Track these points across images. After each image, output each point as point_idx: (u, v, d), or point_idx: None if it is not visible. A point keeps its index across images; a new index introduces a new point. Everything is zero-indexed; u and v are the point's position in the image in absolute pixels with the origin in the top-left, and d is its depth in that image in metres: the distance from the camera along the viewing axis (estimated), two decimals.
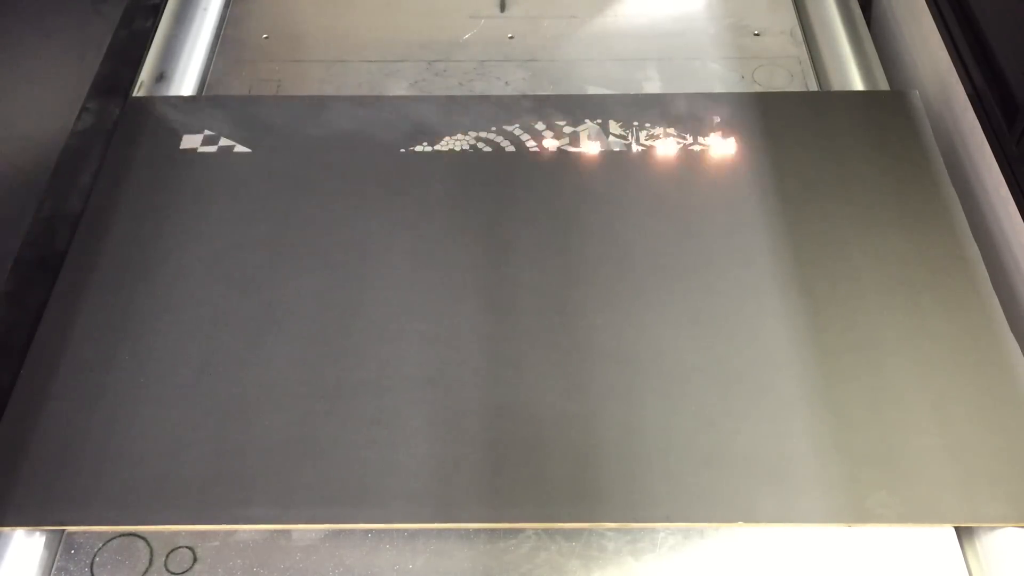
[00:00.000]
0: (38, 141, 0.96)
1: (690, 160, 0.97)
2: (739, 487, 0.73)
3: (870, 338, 0.82)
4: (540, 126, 1.01)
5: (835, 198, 0.93)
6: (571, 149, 0.98)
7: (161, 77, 1.09)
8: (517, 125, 1.01)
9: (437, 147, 0.99)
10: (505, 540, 0.74)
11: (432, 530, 0.74)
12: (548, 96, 1.05)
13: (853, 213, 0.91)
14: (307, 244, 0.90)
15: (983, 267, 0.87)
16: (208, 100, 1.07)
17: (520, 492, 0.74)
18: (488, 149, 0.98)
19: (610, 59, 1.14)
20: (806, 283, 0.86)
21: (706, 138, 0.99)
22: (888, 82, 1.08)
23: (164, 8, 1.18)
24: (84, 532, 0.74)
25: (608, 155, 0.98)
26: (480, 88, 1.11)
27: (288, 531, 0.74)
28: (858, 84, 1.07)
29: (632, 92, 1.09)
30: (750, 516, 0.72)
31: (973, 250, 0.88)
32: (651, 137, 0.99)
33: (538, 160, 0.97)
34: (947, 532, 0.74)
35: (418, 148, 0.99)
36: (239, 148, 0.99)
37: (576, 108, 1.02)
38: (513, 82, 1.12)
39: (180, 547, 0.73)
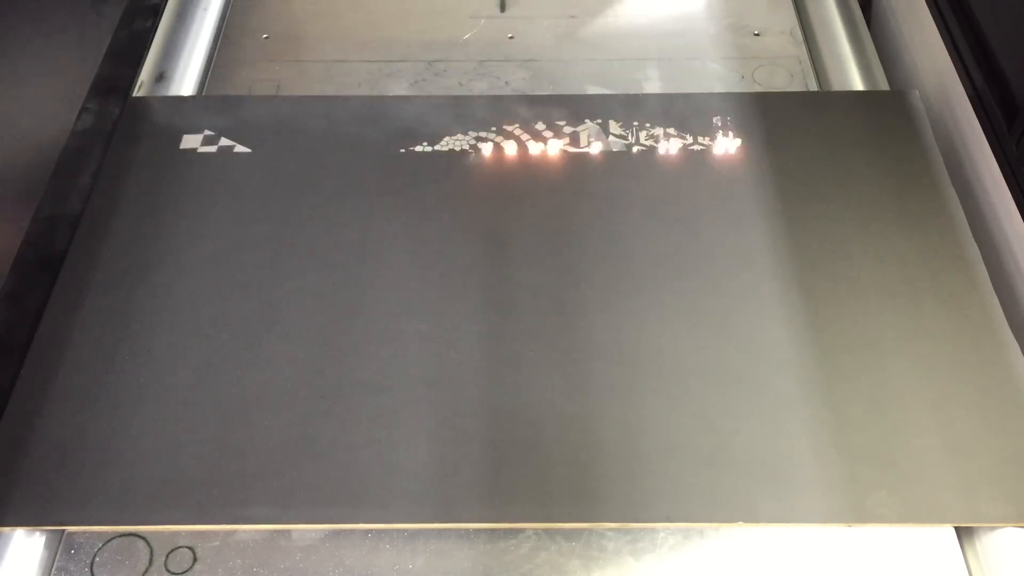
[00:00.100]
0: (38, 141, 0.96)
1: (690, 160, 0.97)
2: (739, 487, 0.73)
3: (870, 338, 0.82)
4: (540, 126, 1.01)
5: (835, 198, 0.93)
6: (571, 149, 0.98)
7: (161, 77, 1.09)
8: (517, 125, 1.01)
9: (437, 147, 0.99)
10: (505, 540, 0.74)
11: (432, 530, 0.74)
12: (548, 96, 1.05)
13: (853, 213, 0.91)
14: (307, 244, 0.90)
15: (983, 267, 0.87)
16: (208, 100, 1.07)
17: (520, 492, 0.74)
18: (488, 149, 0.98)
19: (610, 59, 1.14)
20: (806, 283, 0.86)
21: (706, 138, 0.99)
22: (888, 82, 1.08)
23: (164, 8, 1.18)
24: (84, 532, 0.74)
25: (608, 155, 0.98)
26: (480, 88, 1.11)
27: (288, 531, 0.74)
28: (858, 84, 1.07)
29: (632, 92, 1.09)
30: (750, 516, 0.72)
31: (973, 250, 0.88)
32: (651, 137, 0.99)
33: (538, 160, 0.97)
34: (947, 532, 0.74)
35: (418, 148, 0.99)
36: (239, 148, 0.99)
37: (576, 108, 1.02)
38: (513, 82, 1.12)
39: (180, 547, 0.73)
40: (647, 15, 1.21)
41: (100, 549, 0.73)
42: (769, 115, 1.01)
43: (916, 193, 0.93)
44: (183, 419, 0.78)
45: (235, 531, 0.74)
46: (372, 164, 0.97)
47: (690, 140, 0.99)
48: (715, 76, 1.12)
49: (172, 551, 0.73)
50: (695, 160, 0.97)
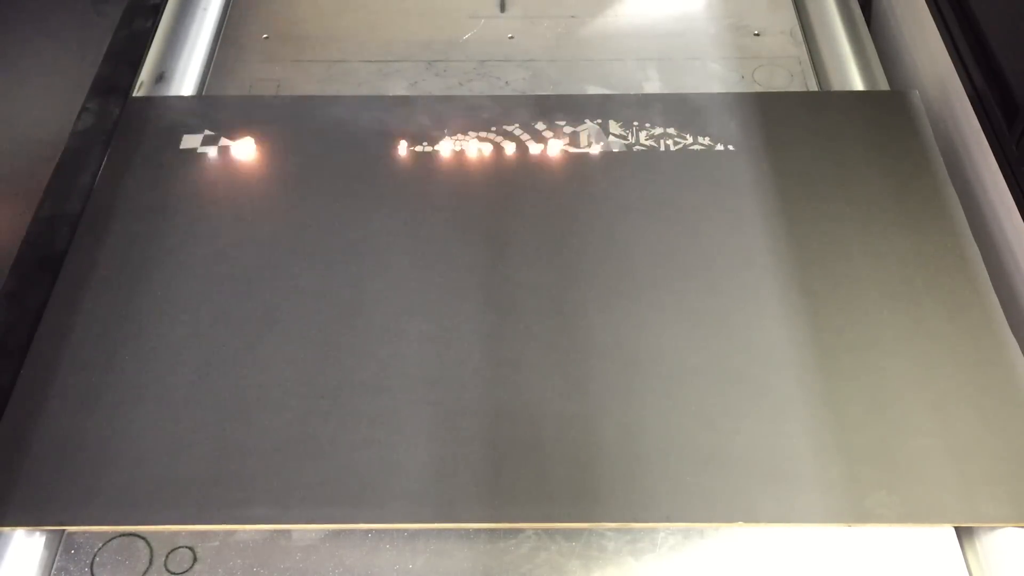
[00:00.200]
0: (38, 141, 0.96)
1: (690, 160, 0.97)
2: (739, 487, 0.73)
3: (870, 338, 0.82)
4: (540, 126, 1.01)
5: (835, 198, 0.93)
6: (571, 149, 0.98)
7: (161, 77, 1.09)
8: (517, 125, 1.01)
9: (437, 147, 0.99)
10: (505, 540, 0.74)
11: (432, 530, 0.74)
12: (548, 96, 1.05)
13: (853, 213, 0.91)
14: (307, 244, 0.90)
15: (983, 267, 0.87)
16: (208, 100, 1.07)
17: (520, 492, 0.74)
18: (488, 149, 0.98)
19: (610, 59, 1.14)
20: (806, 283, 0.86)
21: (706, 138, 0.99)
22: (888, 82, 1.08)
23: (164, 8, 1.18)
24: (84, 532, 0.74)
25: (608, 155, 0.98)
26: (480, 88, 1.11)
27: (288, 531, 0.74)
28: (858, 84, 1.07)
29: (632, 92, 1.08)
30: (750, 516, 0.72)
31: (973, 250, 0.88)
32: (651, 137, 0.99)
33: (538, 160, 0.97)
34: (947, 532, 0.74)
35: (418, 148, 0.99)
36: (239, 148, 0.99)
37: (576, 108, 1.02)
38: (513, 82, 1.12)
39: (180, 547, 0.73)
40: (647, 15, 1.21)
41: (100, 549, 0.73)
42: (769, 115, 1.01)
43: (916, 193, 0.93)
44: (183, 419, 0.78)
45: (235, 531, 0.74)
46: (372, 164, 0.97)
47: (690, 140, 0.99)
48: (715, 76, 1.12)
49: (172, 551, 0.73)
50: (695, 160, 0.97)
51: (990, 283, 0.86)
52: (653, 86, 1.11)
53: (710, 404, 0.78)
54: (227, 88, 1.12)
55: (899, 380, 0.79)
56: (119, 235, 0.91)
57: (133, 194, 0.94)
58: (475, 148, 0.98)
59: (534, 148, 0.99)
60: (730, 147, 0.98)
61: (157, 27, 1.16)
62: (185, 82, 1.10)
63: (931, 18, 1.06)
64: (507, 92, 1.10)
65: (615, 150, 0.98)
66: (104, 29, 1.10)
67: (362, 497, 0.73)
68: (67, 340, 0.83)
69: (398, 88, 1.11)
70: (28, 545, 0.73)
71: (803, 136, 0.99)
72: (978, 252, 0.88)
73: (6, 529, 0.73)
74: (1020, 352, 0.81)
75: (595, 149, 0.98)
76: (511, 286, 0.87)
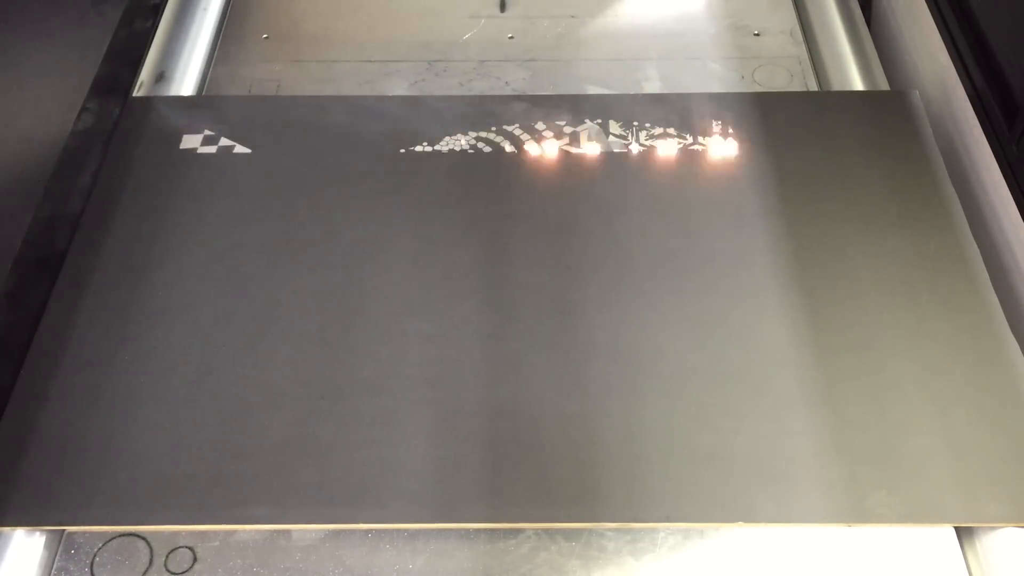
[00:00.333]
0: (38, 141, 0.96)
1: (690, 160, 0.97)
2: (739, 487, 0.73)
3: (870, 338, 0.82)
4: (540, 126, 1.01)
5: (835, 198, 0.93)
6: (571, 149, 0.98)
7: (161, 77, 1.09)
8: (517, 125, 1.01)
9: (437, 147, 0.99)
10: (505, 540, 0.74)
11: (432, 530, 0.74)
12: (548, 96, 1.05)
13: (853, 213, 0.91)
14: (307, 244, 0.90)
15: (983, 267, 0.87)
16: (208, 100, 1.07)
17: (520, 492, 0.74)
18: (488, 149, 0.98)
19: (610, 59, 1.14)
20: (806, 283, 0.86)
21: (706, 138, 0.99)
22: (888, 82, 1.08)
23: (164, 8, 1.18)
24: (84, 532, 0.74)
25: (608, 155, 0.98)
26: (480, 88, 1.11)
27: (288, 531, 0.74)
28: (858, 84, 1.07)
29: (632, 92, 1.08)
30: (750, 516, 0.72)
31: (973, 250, 0.88)
32: (651, 137, 0.99)
33: (538, 160, 0.97)
34: (947, 532, 0.74)
35: (418, 148, 0.99)
36: (239, 148, 0.99)
37: (576, 108, 1.02)
38: (513, 82, 1.12)
39: (180, 547, 0.73)
40: (647, 15, 1.21)
41: (100, 549, 0.73)
42: (769, 115, 1.01)
43: (916, 193, 0.93)
44: (183, 419, 0.78)
45: (235, 531, 0.74)
46: (372, 164, 0.97)
47: (690, 140, 0.99)
48: (715, 76, 1.12)
49: (172, 551, 0.73)
50: (695, 160, 0.97)
51: (990, 283, 0.86)
52: (653, 86, 1.11)
53: (710, 404, 0.78)
54: (227, 88, 1.12)
55: (899, 380, 0.79)
56: (119, 235, 0.91)
57: (133, 194, 0.94)
58: (475, 148, 0.98)
59: (534, 148, 0.99)
60: (730, 147, 0.98)
61: (157, 27, 1.16)
62: (185, 82, 1.10)
63: (931, 18, 1.06)
64: (507, 92, 1.10)
65: (615, 150, 0.98)
66: (104, 29, 1.10)
67: (362, 497, 0.73)
68: (67, 340, 0.83)
69: (398, 88, 1.11)
70: (28, 545, 0.73)
71: (803, 136, 0.99)
72: (978, 252, 0.88)
73: (6, 529, 0.73)
74: (1020, 352, 0.81)
75: (595, 149, 0.98)
76: (511, 286, 0.87)
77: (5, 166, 0.90)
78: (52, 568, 0.73)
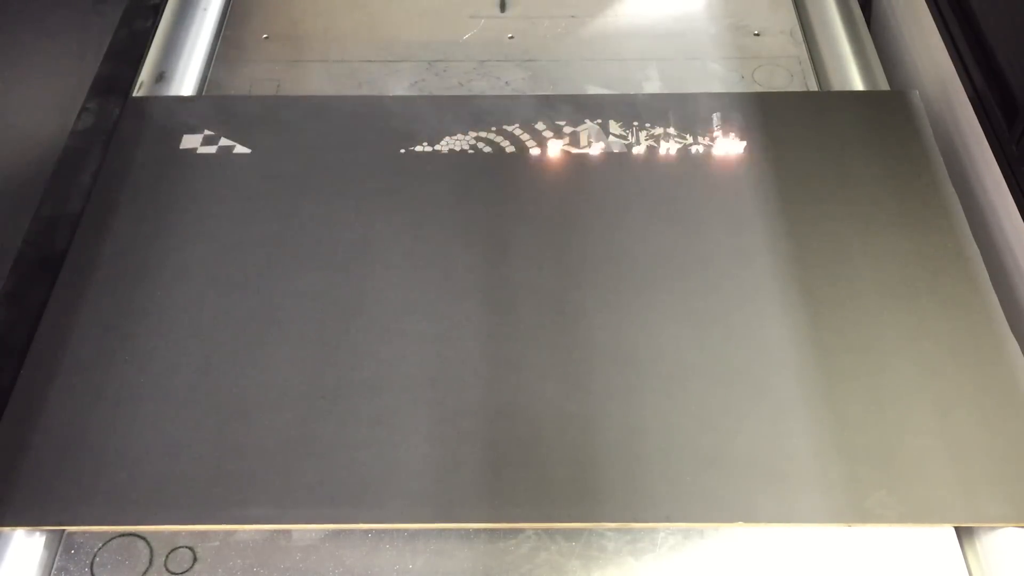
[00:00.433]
0: (38, 141, 0.96)
1: (690, 160, 0.97)
2: (739, 487, 0.73)
3: (870, 338, 0.82)
4: (540, 126, 1.01)
5: (835, 198, 0.93)
6: (571, 149, 0.98)
7: (161, 77, 1.09)
8: (517, 125, 1.01)
9: (437, 147, 0.99)
10: (505, 540, 0.74)
11: (432, 530, 0.74)
12: (548, 96, 1.05)
13: (853, 213, 0.91)
14: (307, 244, 0.90)
15: (983, 267, 0.87)
16: (208, 100, 1.07)
17: (520, 492, 0.74)
18: (488, 149, 0.98)
19: (610, 59, 1.14)
20: (806, 283, 0.86)
21: (706, 138, 0.99)
22: (888, 82, 1.08)
23: (164, 8, 1.18)
24: (84, 532, 0.74)
25: (608, 155, 0.98)
26: (480, 88, 1.11)
27: (288, 531, 0.74)
28: (858, 84, 1.07)
29: (632, 92, 1.09)
30: (750, 516, 0.72)
31: (973, 250, 0.88)
32: (651, 137, 0.99)
33: (538, 160, 0.97)
34: (947, 532, 0.74)
35: (418, 148, 0.99)
36: (239, 148, 0.99)
37: (576, 108, 1.02)
38: (513, 82, 1.12)
39: (180, 547, 0.73)
40: (647, 15, 1.21)
41: (100, 549, 0.73)
42: (769, 115, 1.01)
43: (916, 193, 0.93)
44: (183, 419, 0.78)
45: (235, 531, 0.74)
46: (372, 164, 0.97)
47: (690, 140, 0.99)
48: (715, 76, 1.12)
49: (172, 551, 0.73)
50: (695, 160, 0.97)
51: (990, 283, 0.86)
52: (653, 86, 1.11)
53: (710, 404, 0.78)
54: (227, 88, 1.12)
55: (899, 380, 0.79)
56: (119, 235, 0.91)
57: (133, 194, 0.94)
58: (475, 148, 0.98)
59: (534, 148, 0.99)
60: (730, 147, 0.98)
61: (157, 27, 1.16)
62: (185, 82, 1.10)
63: (931, 18, 1.06)
64: (507, 92, 1.10)
65: (615, 150, 0.98)
66: (104, 29, 1.10)
67: (362, 497, 0.73)
68: (67, 340, 0.83)
69: (398, 88, 1.11)
70: (28, 545, 0.73)
71: (803, 136, 0.99)
72: (978, 252, 0.88)
73: (6, 529, 0.73)
74: (1020, 352, 0.81)
75: (595, 149, 0.98)
76: (511, 286, 0.87)
77: (5, 166, 0.90)
78: (52, 568, 0.73)
